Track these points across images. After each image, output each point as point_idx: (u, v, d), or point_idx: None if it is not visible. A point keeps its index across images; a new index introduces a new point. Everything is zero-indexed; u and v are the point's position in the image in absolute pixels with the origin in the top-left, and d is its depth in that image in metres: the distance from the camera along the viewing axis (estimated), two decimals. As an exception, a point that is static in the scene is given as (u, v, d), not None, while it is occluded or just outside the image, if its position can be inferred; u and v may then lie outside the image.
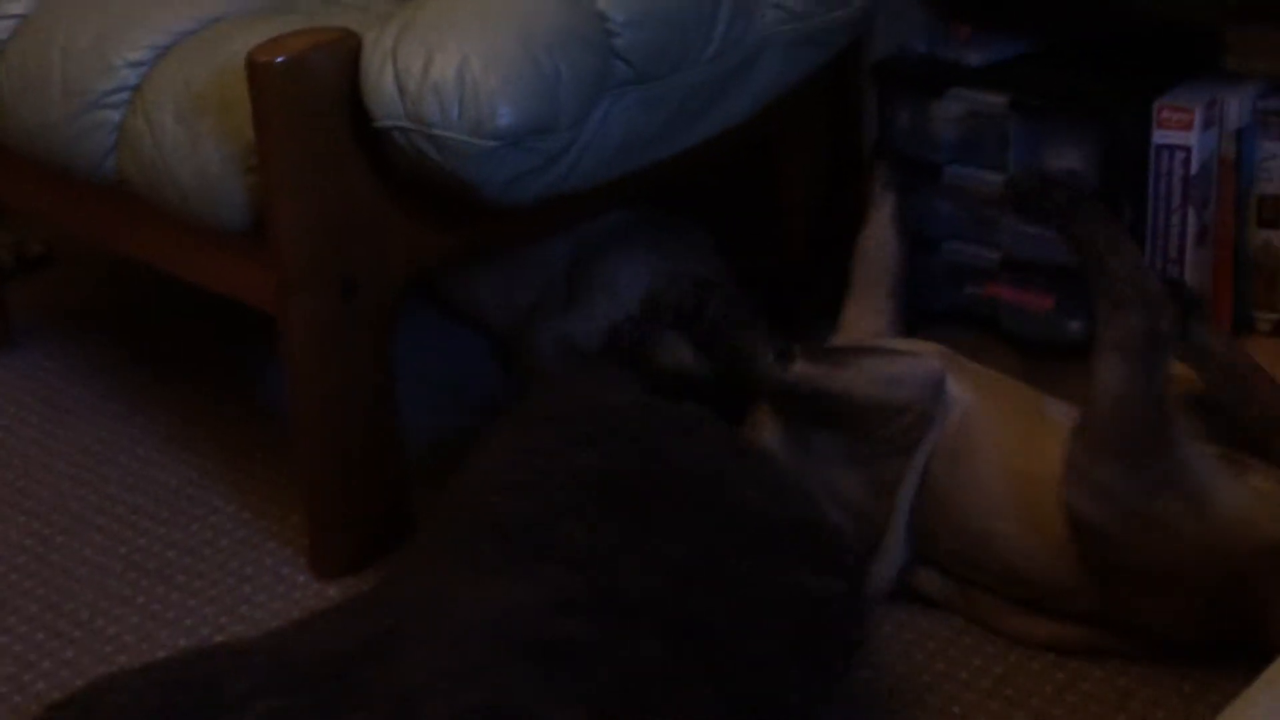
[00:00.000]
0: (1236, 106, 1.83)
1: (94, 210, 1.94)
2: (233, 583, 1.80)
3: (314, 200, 1.66)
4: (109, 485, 1.98)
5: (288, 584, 1.79)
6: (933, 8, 2.02)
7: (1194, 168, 1.83)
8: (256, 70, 1.61)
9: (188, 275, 1.88)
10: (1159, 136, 1.83)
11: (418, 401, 2.03)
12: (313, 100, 1.63)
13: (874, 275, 1.90)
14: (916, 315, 2.02)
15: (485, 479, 1.54)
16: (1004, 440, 1.64)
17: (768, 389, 1.67)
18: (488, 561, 1.46)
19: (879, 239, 1.92)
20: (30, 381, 2.21)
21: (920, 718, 1.55)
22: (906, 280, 1.90)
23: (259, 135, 1.64)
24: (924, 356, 1.69)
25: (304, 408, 1.74)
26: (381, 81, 1.61)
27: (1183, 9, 1.86)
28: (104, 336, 2.32)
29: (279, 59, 1.61)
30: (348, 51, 1.64)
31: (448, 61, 1.59)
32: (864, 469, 1.66)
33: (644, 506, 1.46)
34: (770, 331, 1.67)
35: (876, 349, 1.72)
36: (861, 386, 1.64)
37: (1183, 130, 1.82)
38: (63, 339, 2.31)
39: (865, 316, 1.87)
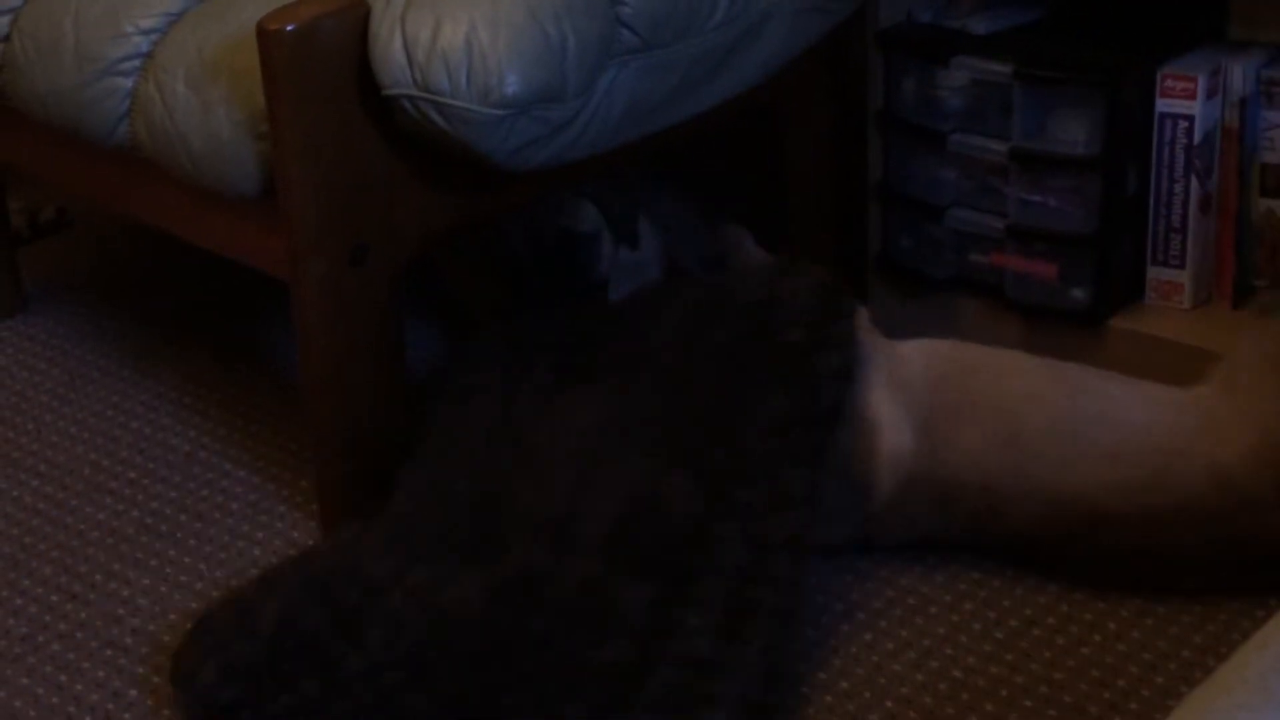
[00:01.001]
0: (1240, 75, 1.84)
1: (107, 176, 1.94)
2: (243, 546, 1.81)
3: (324, 166, 1.67)
4: (121, 449, 1.99)
5: (298, 547, 1.80)
6: (939, -24, 2.03)
7: (1197, 136, 1.84)
8: (267, 37, 1.62)
9: (200, 240, 1.89)
10: (1163, 105, 1.84)
11: (427, 365, 2.05)
12: (323, 68, 1.64)
13: None
14: (922, 283, 2.04)
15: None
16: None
17: None
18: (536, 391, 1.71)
19: None
20: (44, 346, 2.23)
21: (921, 681, 1.57)
22: None
23: (270, 102, 1.65)
24: None
25: (314, 373, 1.75)
26: (390, 49, 1.62)
27: (1188, -23, 1.87)
28: (117, 301, 2.32)
29: (289, 26, 1.61)
30: (357, 19, 1.65)
31: (456, 30, 1.60)
32: None
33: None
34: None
35: None
36: None
37: (1187, 99, 1.82)
38: (76, 304, 2.32)
39: None
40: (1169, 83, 1.83)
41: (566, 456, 1.64)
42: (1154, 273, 1.91)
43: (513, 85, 1.60)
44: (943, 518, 1.68)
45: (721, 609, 1.52)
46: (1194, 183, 1.86)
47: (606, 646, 1.49)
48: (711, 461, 1.62)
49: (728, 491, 1.60)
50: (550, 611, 1.51)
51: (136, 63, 1.81)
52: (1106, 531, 1.61)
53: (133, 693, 1.61)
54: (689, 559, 1.55)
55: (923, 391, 1.68)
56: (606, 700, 1.46)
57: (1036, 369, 1.69)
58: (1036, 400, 1.65)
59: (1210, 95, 1.83)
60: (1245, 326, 1.83)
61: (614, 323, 1.78)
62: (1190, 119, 1.83)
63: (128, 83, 1.81)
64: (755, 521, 1.58)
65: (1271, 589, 1.61)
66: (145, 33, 1.81)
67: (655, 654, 1.49)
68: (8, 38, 1.91)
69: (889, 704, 1.54)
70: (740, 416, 1.64)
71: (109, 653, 1.67)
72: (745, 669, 1.49)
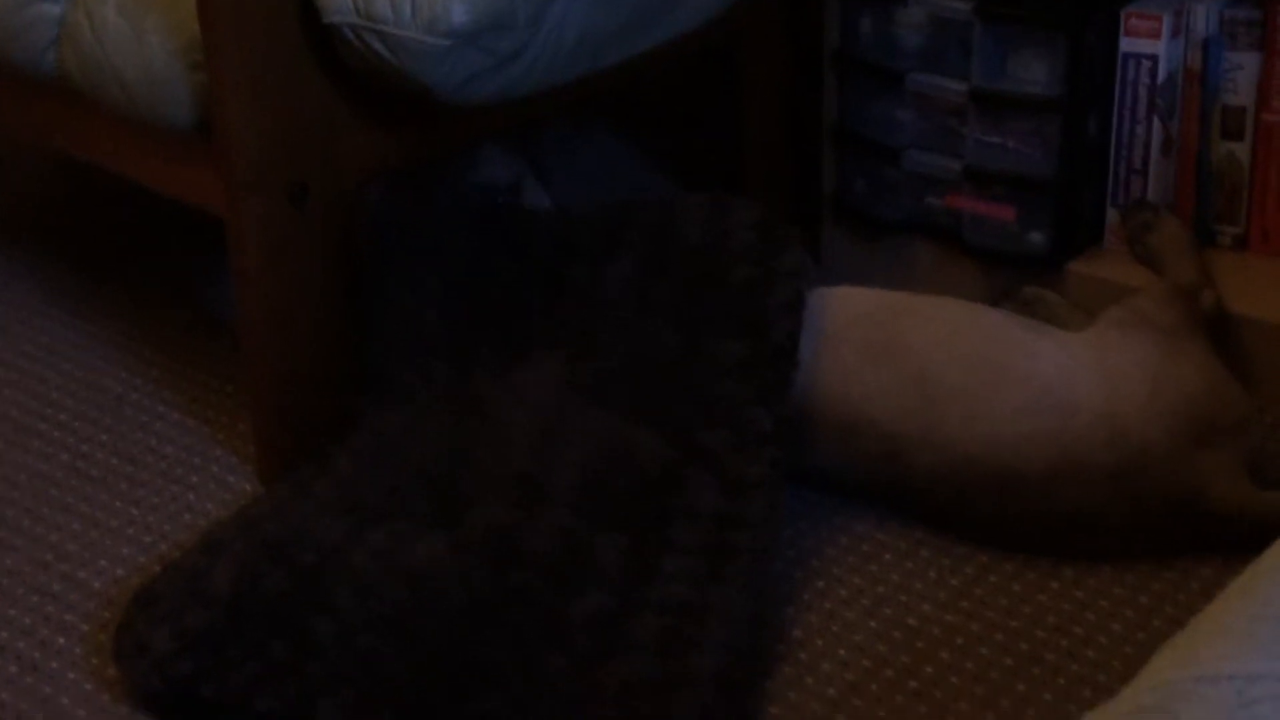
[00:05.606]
0: (1203, 15, 1.81)
1: (37, 108, 1.90)
2: (178, 490, 1.77)
3: (263, 99, 1.62)
4: (51, 391, 1.94)
5: (234, 492, 1.76)
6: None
7: (1160, 77, 1.81)
8: (202, -39, 1.57)
9: (133, 176, 1.84)
10: (1126, 44, 1.81)
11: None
12: (261, -6, 1.59)
13: None
14: (877, 226, 2.01)
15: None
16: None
17: None
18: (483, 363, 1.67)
19: None
20: (-30, 285, 2.17)
21: (875, 629, 1.54)
22: None
23: (205, 30, 1.60)
24: None
25: (252, 314, 1.71)
26: (331, -26, 1.57)
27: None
28: (47, 239, 2.27)
29: (226, -50, 1.56)
30: (297, -57, 1.60)
31: (400, -46, 1.55)
32: None
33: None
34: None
35: None
36: None
37: (1150, 39, 1.79)
38: (5, 241, 2.27)
39: None
40: (1133, 21, 1.79)
41: (526, 417, 1.60)
42: (1114, 216, 1.89)
43: (460, 14, 1.55)
44: (843, 456, 1.66)
45: (700, 553, 1.50)
46: (1156, 124, 1.83)
47: (586, 597, 1.45)
48: (675, 410, 1.59)
49: (694, 437, 1.57)
50: (525, 565, 1.47)
51: (65, -12, 1.74)
52: (1006, 489, 1.59)
53: (61, 640, 1.57)
54: (661, 505, 1.53)
55: (835, 325, 1.67)
56: (591, 649, 1.43)
57: (953, 316, 1.68)
58: (948, 348, 1.64)
59: (1174, 35, 1.80)
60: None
61: (559, 279, 1.73)
62: (1154, 59, 1.80)
63: (56, 9, 1.76)
64: (725, 464, 1.55)
65: (1185, 548, 1.60)
66: (74, -44, 1.75)
67: (636, 601, 1.46)
68: (-70, -39, 1.84)
69: (841, 652, 1.51)
70: (698, 362, 1.61)
71: (36, 599, 1.62)
72: (728, 612, 1.46)
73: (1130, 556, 1.60)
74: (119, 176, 1.87)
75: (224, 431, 1.86)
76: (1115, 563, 1.60)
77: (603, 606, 1.45)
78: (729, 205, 1.73)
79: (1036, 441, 1.58)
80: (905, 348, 1.65)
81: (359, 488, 1.60)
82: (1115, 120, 1.84)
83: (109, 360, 1.99)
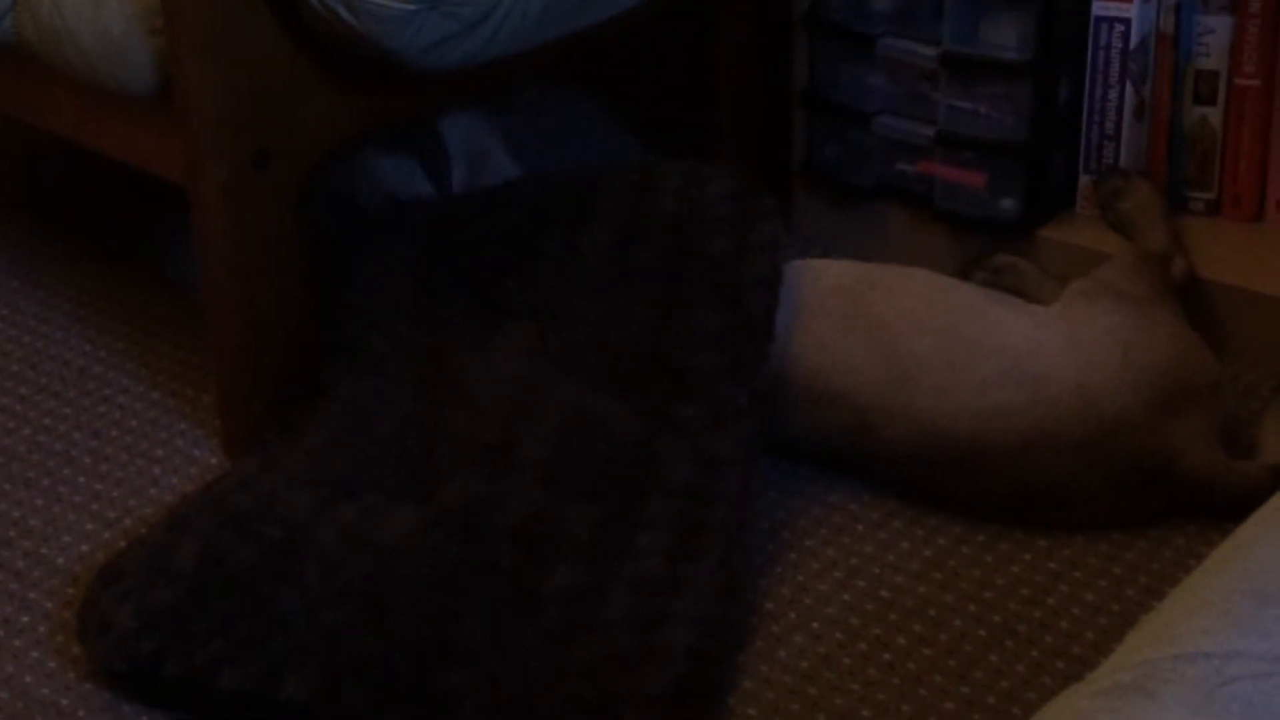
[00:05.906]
0: (1176, -22, 1.80)
1: (-7, 76, 1.86)
2: (142, 464, 1.75)
3: (224, 64, 1.60)
4: (11, 364, 1.91)
5: (199, 465, 1.74)
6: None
7: (1133, 41, 1.80)
8: (160, -75, 1.54)
9: (93, 143, 1.82)
10: (1099, 8, 1.79)
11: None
12: (221, -42, 1.56)
13: None
14: (847, 192, 1.99)
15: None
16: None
17: None
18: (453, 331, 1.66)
19: None
20: (-72, 255, 2.14)
21: (848, 600, 1.53)
22: None
23: (164, -6, 1.57)
24: None
25: (216, 283, 1.68)
26: (293, -62, 1.54)
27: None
28: (5, 208, 2.23)
29: (185, -88, 1.53)
30: (258, -94, 1.57)
31: (363, -82, 1.52)
32: None
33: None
34: None
35: None
36: None
37: (1123, 2, 1.78)
38: (-38, 212, 2.24)
39: None
40: (1106, -16, 1.78)
41: (498, 388, 1.58)
42: (1086, 182, 1.88)
43: (424, -22, 1.52)
44: (816, 428, 1.65)
45: (672, 528, 1.49)
46: (1128, 89, 1.82)
47: (557, 571, 1.44)
48: (648, 383, 1.57)
49: (667, 410, 1.55)
50: (497, 538, 1.46)
51: (21, -49, 1.71)
52: (979, 462, 1.59)
53: (24, 618, 1.55)
54: (634, 479, 1.51)
55: (809, 297, 1.66)
56: (563, 624, 1.41)
57: (926, 289, 1.68)
58: (920, 321, 1.64)
59: (1146, -2, 1.79)
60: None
61: (532, 248, 1.71)
62: (1127, 22, 1.78)
63: (12, -26, 1.72)
64: (698, 438, 1.53)
65: (1158, 517, 1.59)
66: (30, -81, 1.71)
67: (608, 576, 1.45)
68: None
69: (815, 625, 1.50)
70: (672, 335, 1.60)
71: (-1, 577, 1.60)
72: (701, 586, 1.45)
73: (1103, 526, 1.59)
74: (80, 145, 1.84)
75: (189, 404, 1.84)
76: (1088, 533, 1.59)
77: (574, 580, 1.44)
78: (705, 174, 1.71)
79: (1008, 414, 1.57)
80: (878, 321, 1.64)
81: (327, 460, 1.58)
82: (1087, 85, 1.83)
83: (70, 332, 1.97)
